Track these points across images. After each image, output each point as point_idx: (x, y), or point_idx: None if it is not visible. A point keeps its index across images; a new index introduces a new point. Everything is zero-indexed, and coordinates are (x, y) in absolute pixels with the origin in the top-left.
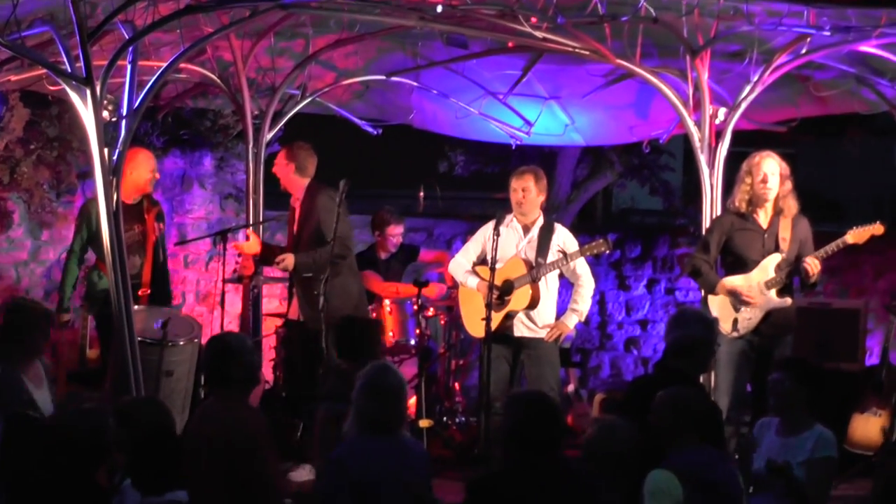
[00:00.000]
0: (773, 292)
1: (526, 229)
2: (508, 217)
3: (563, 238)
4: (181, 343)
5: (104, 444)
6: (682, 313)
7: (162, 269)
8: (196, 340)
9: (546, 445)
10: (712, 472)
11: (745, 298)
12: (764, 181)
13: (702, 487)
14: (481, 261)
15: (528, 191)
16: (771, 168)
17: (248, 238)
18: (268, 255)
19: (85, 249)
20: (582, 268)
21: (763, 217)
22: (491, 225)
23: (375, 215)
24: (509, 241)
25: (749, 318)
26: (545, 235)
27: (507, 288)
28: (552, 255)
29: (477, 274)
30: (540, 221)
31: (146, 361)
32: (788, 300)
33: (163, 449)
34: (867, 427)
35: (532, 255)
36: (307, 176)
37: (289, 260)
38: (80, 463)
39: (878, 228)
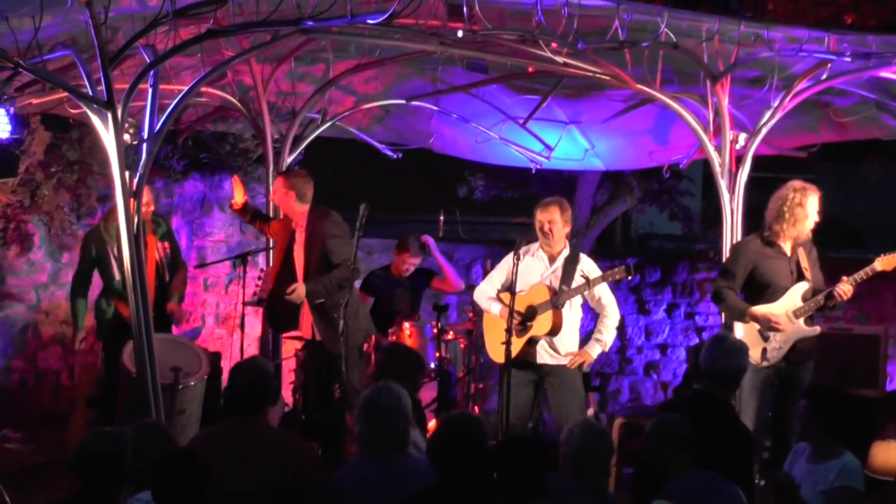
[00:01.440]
0: (801, 321)
1: (552, 259)
2: (535, 246)
3: (588, 269)
4: (192, 384)
5: (121, 468)
6: (723, 343)
7: (170, 285)
8: (206, 377)
9: (463, 466)
10: (708, 500)
11: (776, 326)
12: (806, 224)
13: None
14: (506, 289)
15: (553, 223)
16: (815, 210)
17: (234, 192)
18: (249, 213)
19: (89, 275)
20: (607, 298)
21: (787, 244)
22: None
23: (403, 237)
24: (534, 270)
25: (779, 347)
26: (570, 265)
27: (531, 314)
28: (576, 281)
29: (500, 300)
30: (566, 252)
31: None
32: (818, 328)
33: (185, 470)
34: (888, 453)
35: (556, 284)
36: (307, 202)
37: (300, 289)
38: (94, 486)
39: None
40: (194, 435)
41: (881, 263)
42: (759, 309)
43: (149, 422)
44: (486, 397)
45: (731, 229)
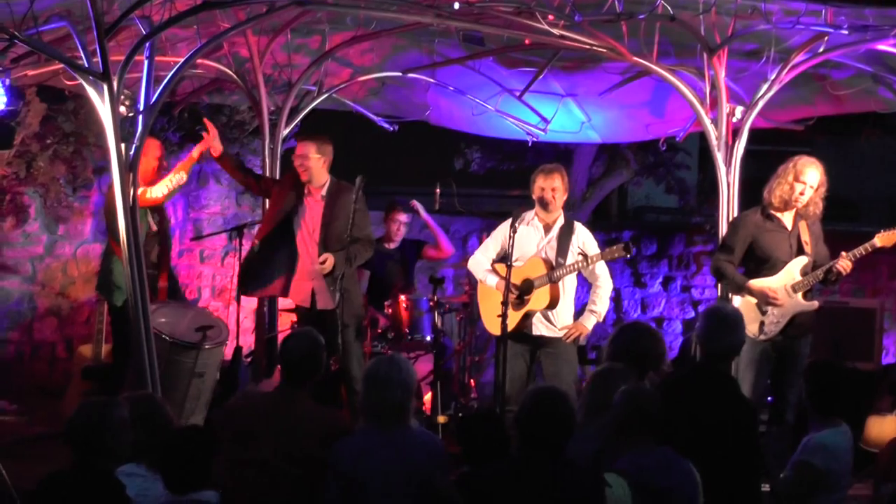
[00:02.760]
0: (799, 295)
1: (547, 228)
2: (529, 214)
3: (584, 238)
4: (215, 347)
5: (110, 436)
6: (726, 317)
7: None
8: (225, 342)
9: (544, 442)
10: (665, 477)
11: (774, 301)
12: (802, 193)
13: (653, 494)
14: (500, 258)
15: (556, 190)
16: (812, 180)
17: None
18: (230, 163)
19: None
20: (601, 268)
21: (787, 218)
22: (509, 222)
23: (389, 202)
24: (530, 239)
25: (776, 321)
26: (566, 235)
27: (527, 287)
28: (572, 256)
29: (496, 272)
30: (561, 220)
31: (180, 363)
32: (815, 303)
33: (192, 448)
34: (882, 426)
35: (552, 255)
36: (328, 171)
37: (331, 260)
38: (85, 455)
39: None
40: (246, 394)
41: (881, 239)
42: (757, 283)
43: (143, 394)
44: (482, 370)
45: (728, 202)
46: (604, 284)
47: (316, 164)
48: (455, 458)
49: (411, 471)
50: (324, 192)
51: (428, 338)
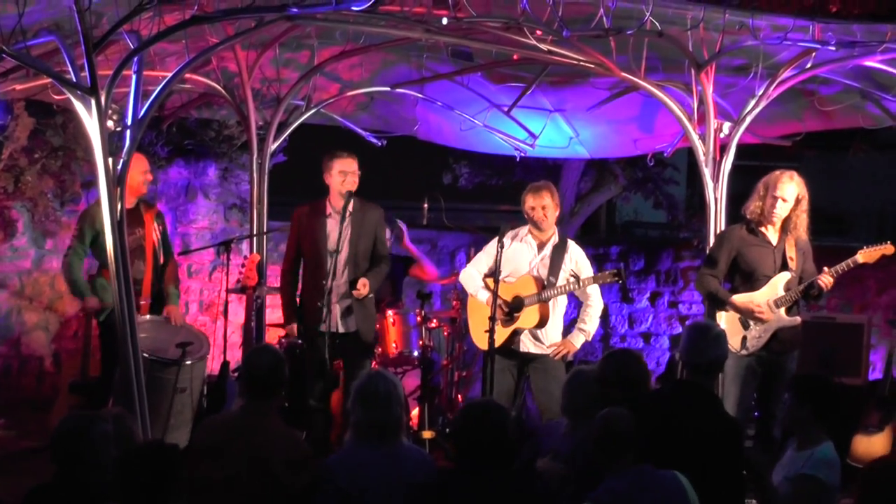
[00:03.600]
0: (782, 310)
1: (541, 246)
2: (523, 230)
3: (576, 258)
4: (196, 362)
5: (91, 450)
6: (707, 333)
7: (164, 270)
8: (206, 356)
9: (486, 453)
10: (639, 499)
11: (758, 315)
12: (773, 205)
13: None
14: (492, 273)
15: (546, 207)
16: (787, 193)
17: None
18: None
19: (86, 252)
20: (592, 288)
21: (772, 233)
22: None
23: None
24: (523, 256)
25: (758, 336)
26: (558, 253)
27: (517, 305)
28: (564, 275)
29: (488, 287)
30: (554, 239)
31: (162, 379)
32: (798, 319)
33: (154, 464)
34: (870, 444)
35: (544, 273)
36: None
37: (366, 288)
38: (66, 468)
39: (888, 248)
40: (210, 417)
41: (863, 256)
42: (741, 298)
43: (114, 412)
44: (470, 385)
45: (715, 217)
46: (594, 304)
47: (354, 179)
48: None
49: (406, 486)
50: (350, 210)
51: (415, 353)
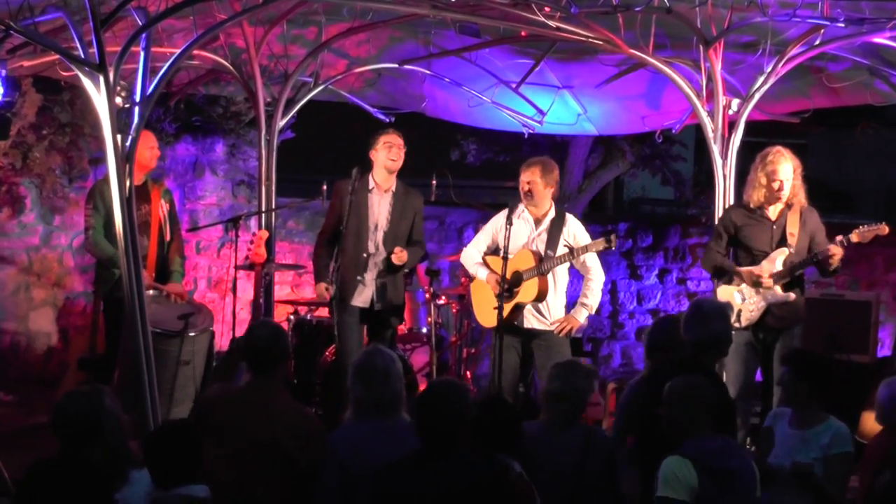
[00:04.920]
0: (777, 286)
1: (538, 221)
2: (520, 207)
3: (574, 231)
4: (199, 334)
5: (95, 425)
6: (700, 308)
7: (170, 247)
8: (211, 329)
9: (443, 436)
10: (727, 461)
11: (762, 282)
12: (780, 188)
13: (717, 475)
14: (492, 251)
15: (533, 183)
16: (786, 174)
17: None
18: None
19: (105, 227)
20: (592, 261)
21: (773, 209)
22: (502, 215)
23: None
24: (521, 232)
25: (752, 310)
26: (556, 227)
27: (516, 280)
28: (562, 248)
29: (487, 265)
30: (552, 213)
31: (165, 352)
32: (792, 295)
33: (179, 442)
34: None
35: (542, 247)
36: None
37: (404, 255)
38: (70, 444)
39: (882, 229)
40: (215, 387)
41: (857, 235)
42: (744, 268)
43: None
44: (478, 362)
45: (724, 194)
46: (595, 277)
47: (401, 154)
48: None
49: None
50: (392, 189)
51: (424, 329)
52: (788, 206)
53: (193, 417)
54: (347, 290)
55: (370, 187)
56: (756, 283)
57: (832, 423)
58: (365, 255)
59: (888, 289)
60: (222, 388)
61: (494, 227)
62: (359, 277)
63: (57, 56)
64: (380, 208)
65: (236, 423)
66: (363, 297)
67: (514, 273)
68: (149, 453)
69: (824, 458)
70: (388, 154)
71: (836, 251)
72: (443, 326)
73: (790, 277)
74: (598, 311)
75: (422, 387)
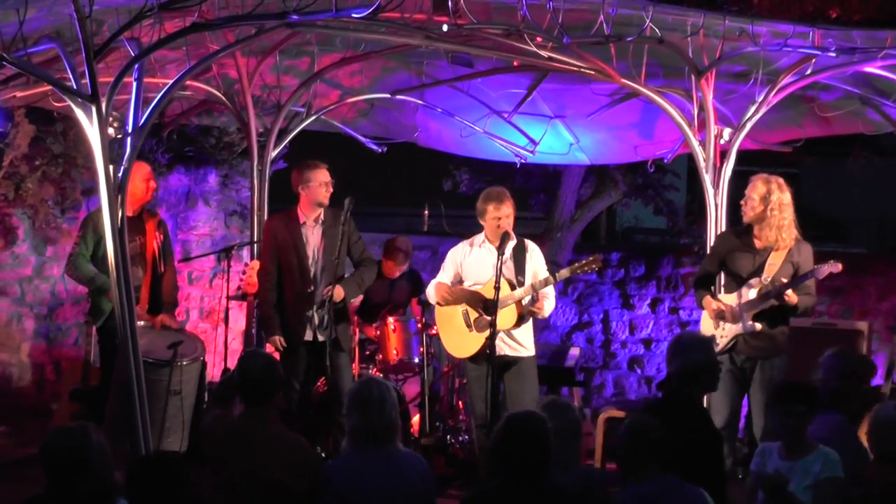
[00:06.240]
0: (750, 316)
1: (500, 250)
2: (479, 237)
3: (537, 257)
4: (189, 363)
5: (83, 462)
6: (679, 341)
7: (163, 278)
8: (201, 359)
9: (526, 464)
10: (670, 502)
11: (720, 312)
12: (745, 204)
13: None
14: (457, 283)
15: (509, 216)
16: (750, 190)
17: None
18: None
19: (89, 255)
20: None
21: (762, 239)
22: (459, 247)
23: (390, 242)
24: (485, 261)
25: (723, 335)
26: (520, 253)
27: (492, 306)
28: (530, 274)
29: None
30: (513, 241)
31: (155, 382)
32: (758, 326)
33: (160, 473)
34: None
35: (511, 275)
36: None
37: (340, 291)
38: (58, 480)
39: (836, 266)
40: (211, 418)
41: (816, 272)
42: (709, 299)
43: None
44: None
45: (716, 223)
46: (550, 294)
47: (329, 190)
48: (440, 480)
49: (406, 490)
50: (321, 220)
51: (416, 360)
52: (776, 239)
53: (195, 446)
54: (297, 331)
55: (301, 222)
56: (720, 316)
57: (822, 451)
58: (310, 289)
59: (881, 318)
60: (218, 418)
61: (455, 260)
62: (308, 313)
63: (50, 87)
64: (313, 240)
65: (232, 453)
66: (312, 330)
67: (487, 301)
68: (129, 485)
69: (814, 484)
70: (324, 192)
71: (792, 298)
72: (435, 357)
73: (762, 307)
74: (590, 340)
75: (414, 417)
